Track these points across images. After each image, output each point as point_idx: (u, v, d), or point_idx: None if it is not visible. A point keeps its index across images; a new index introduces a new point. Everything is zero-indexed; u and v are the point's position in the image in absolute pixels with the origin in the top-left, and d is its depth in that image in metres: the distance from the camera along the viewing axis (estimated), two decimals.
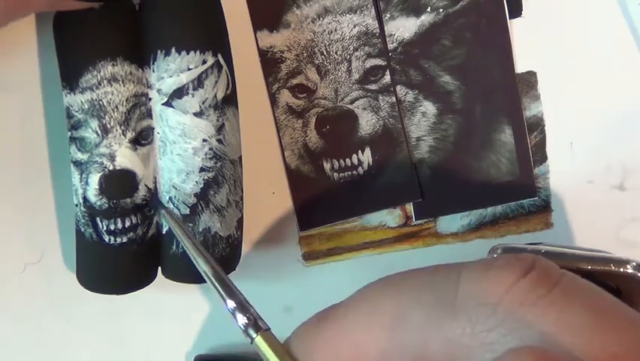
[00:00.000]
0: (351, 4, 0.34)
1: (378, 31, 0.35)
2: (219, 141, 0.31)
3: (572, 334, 0.21)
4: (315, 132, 0.36)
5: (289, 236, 0.37)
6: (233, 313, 0.26)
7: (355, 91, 0.35)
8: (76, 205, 0.31)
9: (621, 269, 0.29)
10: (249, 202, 0.35)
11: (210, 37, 0.30)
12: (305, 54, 0.35)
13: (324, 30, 0.35)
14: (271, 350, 0.25)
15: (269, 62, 0.35)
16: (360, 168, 0.36)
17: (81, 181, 0.30)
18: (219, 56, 0.30)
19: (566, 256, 0.25)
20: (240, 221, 0.32)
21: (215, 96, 0.30)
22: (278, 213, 0.36)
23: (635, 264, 0.29)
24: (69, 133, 0.30)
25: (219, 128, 0.30)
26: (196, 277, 0.32)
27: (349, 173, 0.36)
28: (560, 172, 0.37)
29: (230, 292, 0.27)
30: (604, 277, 0.27)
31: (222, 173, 0.31)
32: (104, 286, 0.32)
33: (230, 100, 0.31)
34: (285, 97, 0.35)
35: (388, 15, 0.35)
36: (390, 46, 0.35)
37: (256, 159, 0.36)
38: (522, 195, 0.36)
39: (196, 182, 0.31)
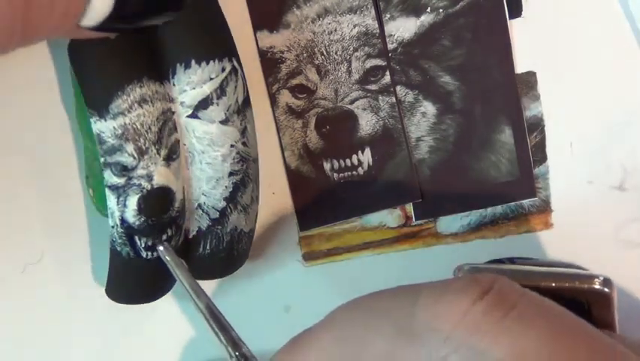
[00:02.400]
0: (351, 4, 0.34)
1: (378, 31, 0.35)
2: (244, 143, 0.31)
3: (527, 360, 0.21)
4: (315, 133, 0.36)
5: (289, 236, 0.37)
6: (227, 349, 0.27)
7: (355, 91, 0.35)
8: (112, 227, 0.30)
9: (586, 286, 0.29)
10: None
11: (222, 42, 0.30)
12: (305, 54, 0.35)
13: (324, 30, 0.35)
14: None
15: (269, 62, 0.35)
16: (360, 169, 0.36)
17: (118, 204, 0.30)
18: (234, 60, 0.30)
19: (531, 274, 0.25)
20: (257, 213, 0.33)
21: (237, 101, 0.30)
22: (278, 214, 0.36)
23: (601, 279, 0.29)
24: (102, 159, 0.30)
25: (243, 132, 0.31)
26: (217, 273, 0.33)
27: (349, 173, 0.36)
28: (560, 172, 0.37)
29: (224, 328, 0.28)
30: (572, 293, 0.27)
31: (248, 173, 0.31)
32: (137, 297, 0.32)
33: (247, 102, 0.31)
34: (285, 97, 0.35)
35: (388, 15, 0.35)
36: (390, 46, 0.35)
37: None
38: (522, 196, 0.36)
39: (225, 187, 0.31)
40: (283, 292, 0.37)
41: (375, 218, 0.37)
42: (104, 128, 0.29)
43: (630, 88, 0.36)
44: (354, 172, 0.36)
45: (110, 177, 0.30)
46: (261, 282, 0.37)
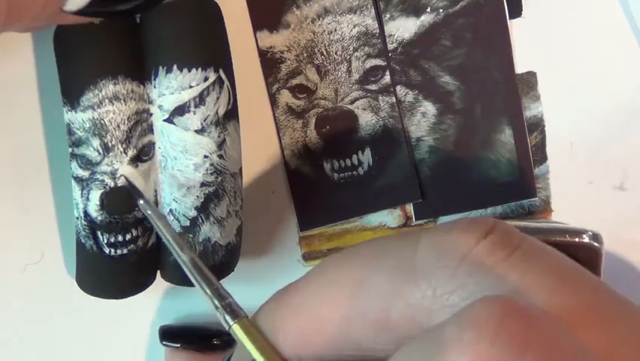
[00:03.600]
0: (350, 4, 0.34)
1: (377, 31, 0.35)
2: (220, 156, 0.30)
3: (533, 296, 0.21)
4: (315, 133, 0.36)
5: (289, 236, 0.37)
6: (212, 301, 0.27)
7: (355, 91, 0.35)
8: (77, 218, 0.31)
9: (577, 239, 0.29)
10: (248, 203, 0.35)
11: (212, 52, 0.30)
12: (305, 54, 0.35)
13: (324, 30, 0.35)
14: (247, 338, 0.25)
15: (269, 62, 0.35)
16: (360, 169, 0.36)
17: (82, 196, 0.30)
18: (221, 72, 0.30)
19: (522, 229, 0.25)
20: (240, 228, 0.32)
21: (217, 112, 0.30)
22: (278, 214, 0.36)
23: (590, 233, 0.29)
24: (70, 149, 0.30)
25: (220, 144, 0.30)
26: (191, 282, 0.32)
27: (349, 173, 0.36)
28: (560, 172, 0.37)
29: (208, 281, 0.27)
30: (561, 248, 0.27)
31: (223, 187, 0.31)
32: (104, 292, 0.32)
33: (231, 115, 0.31)
34: (285, 97, 0.35)
35: (388, 15, 0.35)
36: (390, 46, 0.35)
37: (256, 160, 0.36)
38: (522, 196, 0.36)
39: (197, 196, 0.31)
40: None
41: (375, 218, 0.37)
42: (74, 119, 0.29)
43: (630, 88, 0.36)
44: (354, 172, 0.36)
45: (76, 169, 0.30)
46: (261, 282, 0.37)
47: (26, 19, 0.25)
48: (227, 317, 0.26)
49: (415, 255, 0.23)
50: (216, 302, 0.26)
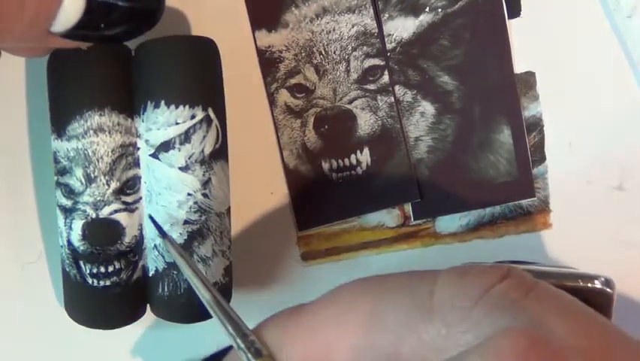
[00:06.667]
0: (349, 3, 0.34)
1: (376, 31, 0.35)
2: (205, 195, 0.30)
3: (547, 335, 0.21)
4: (314, 132, 0.36)
5: (287, 236, 0.37)
6: (235, 340, 0.27)
7: (354, 91, 0.35)
8: (61, 246, 0.31)
9: (589, 285, 0.29)
10: (247, 202, 0.35)
11: (202, 91, 0.30)
12: (303, 54, 0.35)
13: (323, 30, 0.35)
14: None
15: (267, 61, 0.35)
16: (358, 168, 0.36)
17: (65, 225, 0.30)
18: (210, 110, 0.30)
19: (534, 273, 0.25)
20: (228, 268, 0.32)
21: (203, 151, 0.30)
22: (276, 213, 0.36)
23: (603, 279, 0.30)
24: (55, 178, 0.30)
25: (205, 183, 0.30)
26: (182, 318, 0.32)
27: (348, 173, 0.36)
28: (559, 173, 0.37)
29: (231, 319, 0.27)
30: (572, 292, 0.27)
31: (207, 226, 0.31)
32: (91, 321, 0.32)
33: (218, 154, 0.31)
34: (284, 97, 0.35)
35: (387, 15, 0.35)
36: (389, 46, 0.35)
37: (254, 159, 0.36)
38: (521, 196, 0.36)
39: (180, 233, 0.30)
40: (281, 291, 0.37)
41: (373, 218, 0.37)
42: (59, 147, 0.30)
43: (629, 88, 0.36)
44: (352, 172, 0.36)
45: (60, 198, 0.30)
46: (259, 281, 0.37)
47: (12, 38, 0.25)
48: (250, 356, 0.26)
49: (433, 293, 0.24)
50: (239, 341, 0.27)
